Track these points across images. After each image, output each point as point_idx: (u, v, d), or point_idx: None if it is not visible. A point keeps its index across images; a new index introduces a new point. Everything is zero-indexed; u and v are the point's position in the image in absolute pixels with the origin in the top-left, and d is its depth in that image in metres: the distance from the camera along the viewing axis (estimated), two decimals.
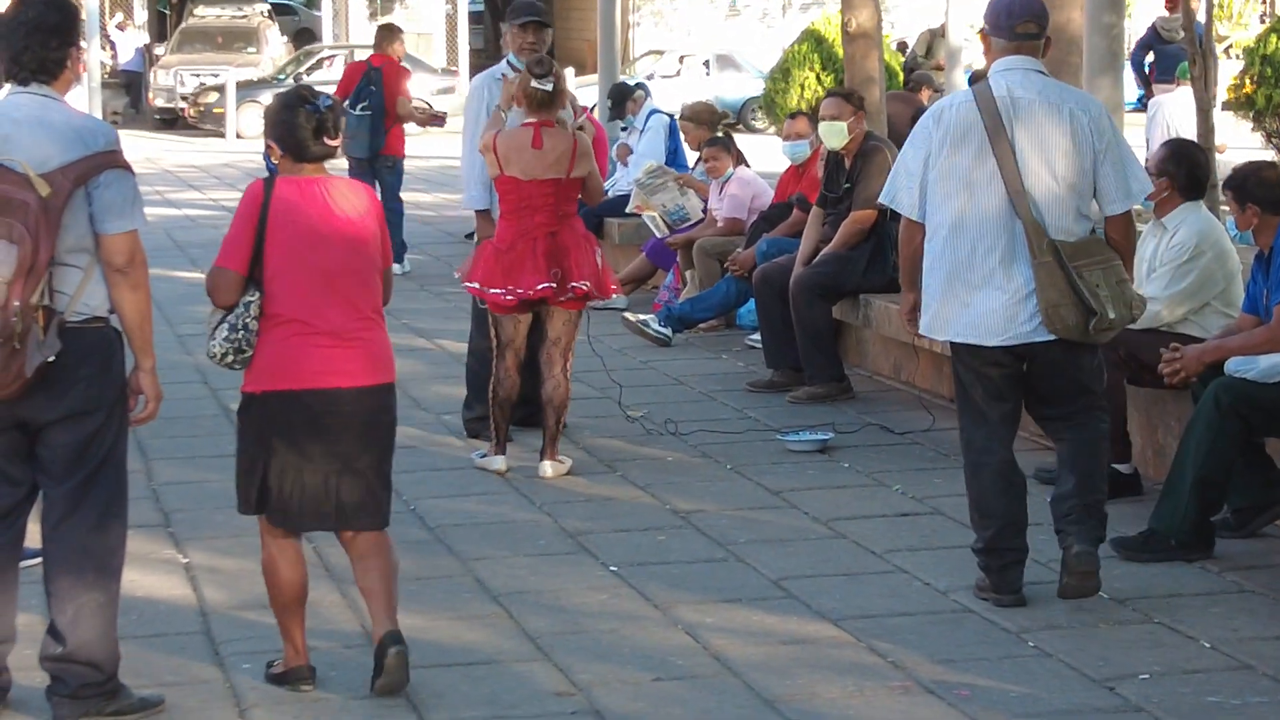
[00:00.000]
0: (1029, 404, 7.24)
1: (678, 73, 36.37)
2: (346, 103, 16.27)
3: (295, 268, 6.01)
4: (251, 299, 6.00)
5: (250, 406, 6.12)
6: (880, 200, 7.59)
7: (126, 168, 5.72)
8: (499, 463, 9.15)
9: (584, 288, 8.98)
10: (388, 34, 17.28)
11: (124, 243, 5.70)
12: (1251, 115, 18.13)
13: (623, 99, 16.03)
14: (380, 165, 16.50)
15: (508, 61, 9.98)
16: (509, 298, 8.96)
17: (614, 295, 9.63)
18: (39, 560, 6.20)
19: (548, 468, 9.03)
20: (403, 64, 17.01)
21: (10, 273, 5.44)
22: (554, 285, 8.93)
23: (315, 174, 6.12)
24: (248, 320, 5.99)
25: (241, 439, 6.19)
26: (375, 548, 6.20)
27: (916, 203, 7.10)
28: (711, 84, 34.69)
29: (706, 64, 37.13)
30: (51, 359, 5.58)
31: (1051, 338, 6.94)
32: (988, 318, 6.96)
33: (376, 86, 16.40)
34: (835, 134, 10.98)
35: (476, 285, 9.11)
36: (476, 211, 9.99)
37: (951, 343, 7.15)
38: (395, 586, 6.21)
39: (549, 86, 8.99)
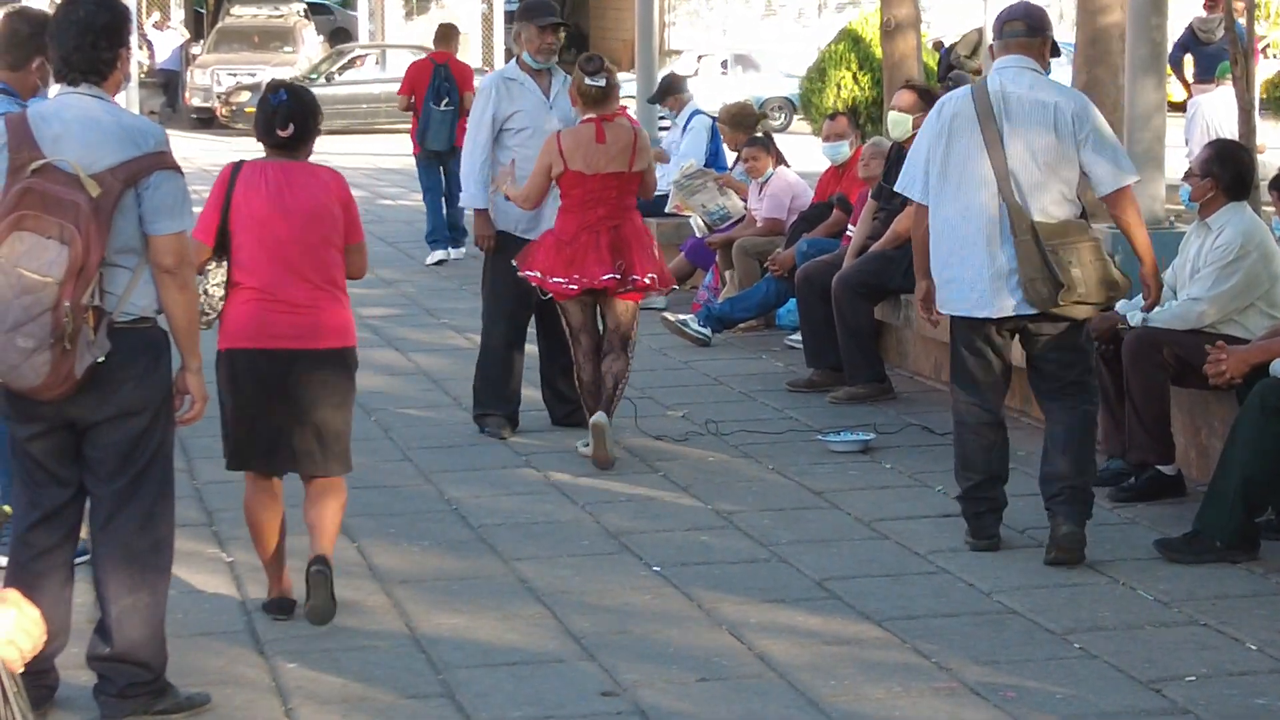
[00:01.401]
0: (1028, 378, 7.94)
1: (695, 72, 36.26)
2: (418, 100, 17.24)
3: (253, 241, 6.75)
4: (210, 267, 6.74)
5: (219, 363, 6.83)
6: (895, 188, 8.18)
7: (176, 169, 5.73)
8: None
9: (649, 281, 9.29)
10: (450, 32, 18.13)
11: (173, 243, 5.71)
12: None
13: (670, 91, 15.92)
14: (447, 159, 17.19)
15: (520, 60, 10.01)
16: (572, 286, 9.20)
17: (674, 287, 9.85)
18: (86, 558, 6.23)
19: (599, 415, 9.16)
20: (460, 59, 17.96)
21: (61, 273, 5.45)
22: (618, 276, 9.16)
23: (281, 158, 6.88)
24: (207, 286, 6.71)
25: (219, 395, 6.83)
26: (328, 490, 6.94)
27: (924, 188, 7.71)
28: (729, 83, 34.61)
29: (724, 64, 37.05)
30: (101, 359, 5.60)
31: (1035, 312, 7.54)
32: (978, 292, 7.59)
33: (450, 82, 17.15)
34: (900, 125, 10.94)
35: (537, 274, 9.28)
36: (475, 210, 10.04)
37: (950, 315, 7.75)
38: (337, 522, 6.99)
39: (602, 82, 9.23)
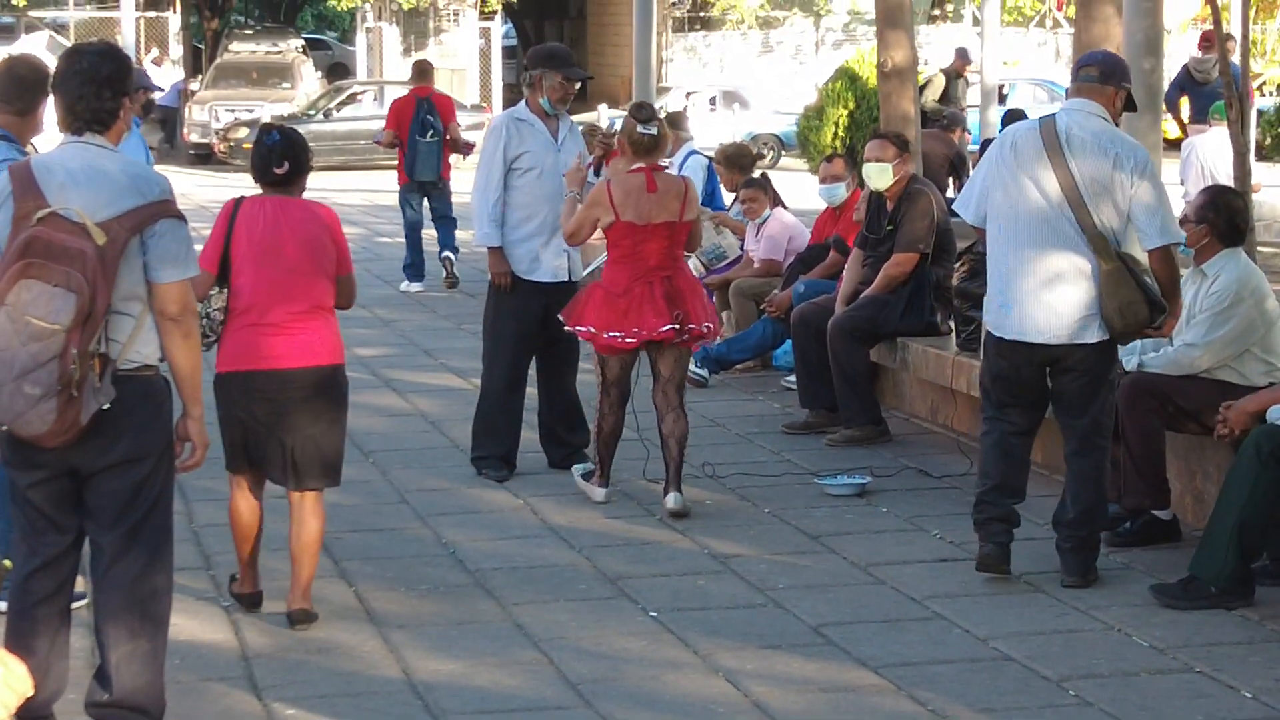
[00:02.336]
0: (1054, 409, 8.07)
1: (684, 109, 36.28)
2: (403, 135, 17.80)
3: (250, 270, 7.24)
4: (213, 294, 7.24)
5: (218, 385, 7.30)
6: (954, 207, 8.36)
7: (180, 217, 5.77)
8: (600, 494, 9.36)
9: (705, 330, 9.30)
10: (427, 68, 18.89)
11: (178, 291, 5.75)
12: None
13: (671, 125, 15.99)
14: (431, 190, 17.94)
15: (533, 103, 10.03)
16: (629, 340, 9.13)
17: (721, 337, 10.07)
18: (84, 602, 6.24)
19: (673, 499, 9.11)
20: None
21: (69, 321, 5.47)
22: (677, 327, 9.13)
23: (276, 194, 7.37)
24: (210, 311, 7.23)
25: (217, 414, 7.24)
26: (312, 509, 7.36)
27: (976, 211, 7.96)
28: (719, 120, 34.67)
29: (713, 100, 37.11)
30: (105, 406, 5.62)
31: (1091, 341, 7.75)
32: (1036, 318, 7.77)
33: (433, 115, 17.76)
34: (880, 175, 11.01)
35: (590, 330, 9.21)
36: (489, 249, 10.06)
37: (994, 338, 7.93)
38: (316, 553, 7.43)
39: (654, 130, 9.28)
